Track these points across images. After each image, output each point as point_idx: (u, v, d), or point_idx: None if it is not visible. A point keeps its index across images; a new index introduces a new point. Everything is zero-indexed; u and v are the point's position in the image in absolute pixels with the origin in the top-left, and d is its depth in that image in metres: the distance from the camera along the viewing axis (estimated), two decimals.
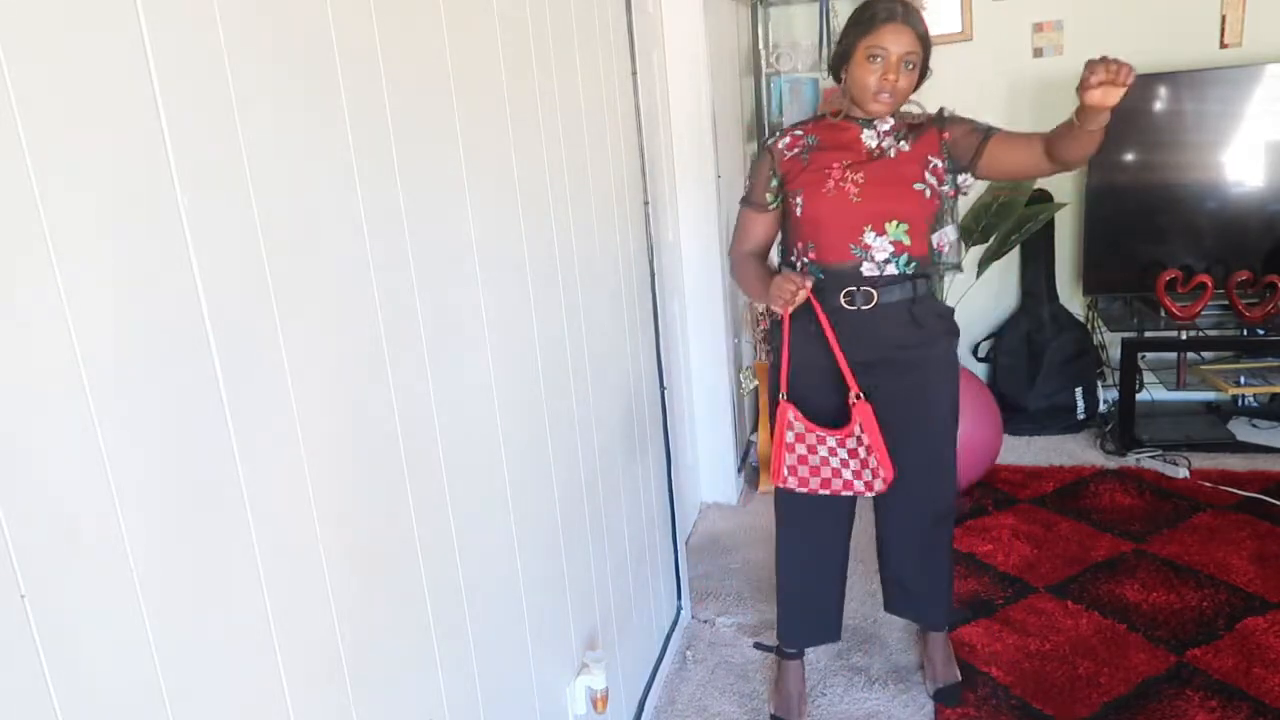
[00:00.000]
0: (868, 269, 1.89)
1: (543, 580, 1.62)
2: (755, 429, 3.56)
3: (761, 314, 3.28)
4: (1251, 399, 3.66)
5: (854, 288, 1.89)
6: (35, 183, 0.67)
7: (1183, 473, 3.19)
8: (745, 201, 2.04)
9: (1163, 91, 3.37)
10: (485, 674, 1.38)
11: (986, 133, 1.87)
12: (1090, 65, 1.56)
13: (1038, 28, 3.62)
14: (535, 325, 1.59)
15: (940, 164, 1.89)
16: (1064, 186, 3.59)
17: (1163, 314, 3.41)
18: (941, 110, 1.93)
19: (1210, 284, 3.31)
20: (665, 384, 2.42)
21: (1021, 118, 3.63)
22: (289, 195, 0.95)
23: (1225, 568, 2.62)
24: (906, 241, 1.88)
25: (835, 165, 1.89)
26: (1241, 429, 3.53)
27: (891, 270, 1.89)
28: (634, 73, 2.18)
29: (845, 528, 2.15)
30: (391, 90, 1.13)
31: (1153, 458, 3.33)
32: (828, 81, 3.65)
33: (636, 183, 2.22)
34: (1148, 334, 3.48)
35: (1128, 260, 3.51)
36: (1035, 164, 1.84)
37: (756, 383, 3.32)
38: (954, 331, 2.02)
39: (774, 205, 1.99)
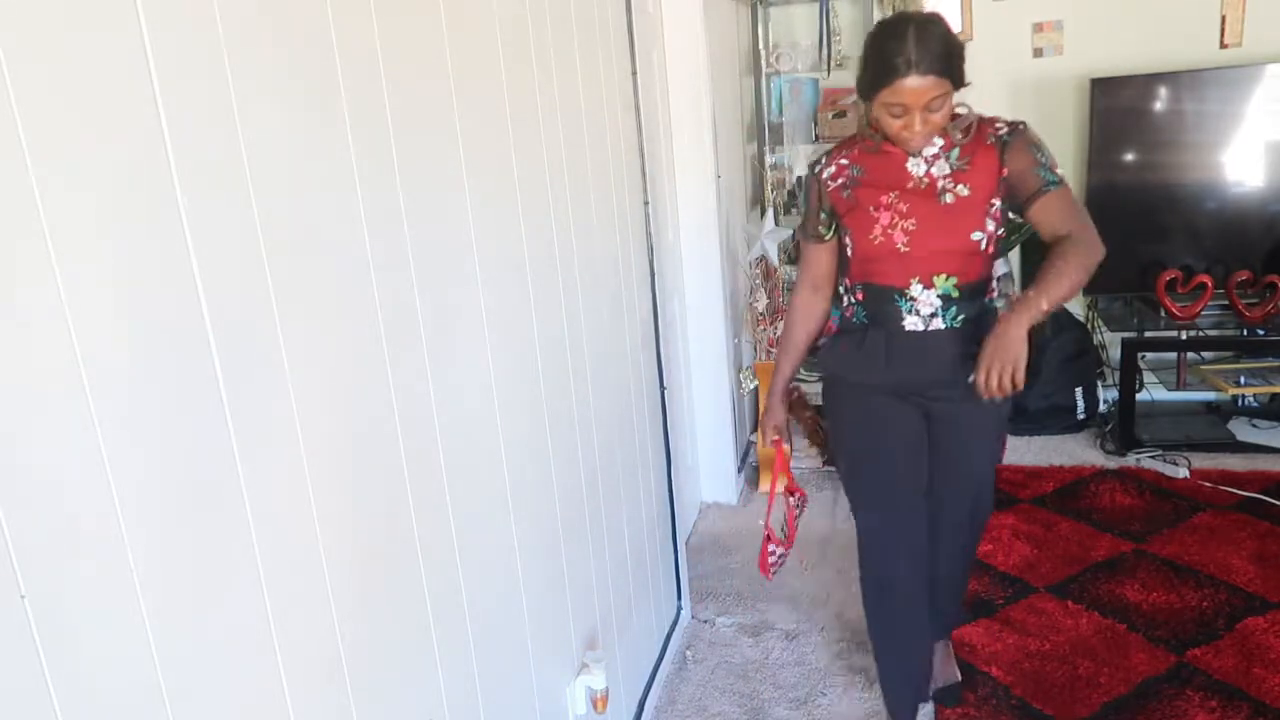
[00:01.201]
0: (910, 323, 1.80)
1: (543, 580, 1.62)
2: (755, 429, 3.56)
3: (761, 314, 3.28)
4: (1251, 399, 3.66)
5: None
6: (35, 183, 0.67)
7: (1183, 473, 3.19)
8: (802, 232, 1.98)
9: (1163, 91, 3.37)
10: (485, 674, 1.38)
11: (1042, 187, 1.73)
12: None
13: (1038, 28, 3.62)
14: (535, 325, 1.59)
15: (999, 205, 1.76)
16: None
17: (1163, 314, 3.41)
18: (1017, 126, 1.77)
19: (1210, 284, 3.31)
20: (665, 384, 2.42)
21: (1021, 117, 3.62)
22: (289, 195, 0.95)
23: (1225, 568, 2.62)
24: (955, 295, 1.78)
25: (882, 206, 1.78)
26: (1241, 429, 3.52)
27: (938, 325, 1.79)
28: (634, 73, 2.18)
29: (923, 575, 2.03)
30: (391, 90, 1.13)
31: (1153, 458, 3.32)
32: (828, 81, 3.66)
33: (636, 183, 2.22)
34: (1148, 334, 3.48)
35: (1128, 260, 3.51)
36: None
37: (756, 382, 3.32)
38: None
39: (830, 236, 1.92)
